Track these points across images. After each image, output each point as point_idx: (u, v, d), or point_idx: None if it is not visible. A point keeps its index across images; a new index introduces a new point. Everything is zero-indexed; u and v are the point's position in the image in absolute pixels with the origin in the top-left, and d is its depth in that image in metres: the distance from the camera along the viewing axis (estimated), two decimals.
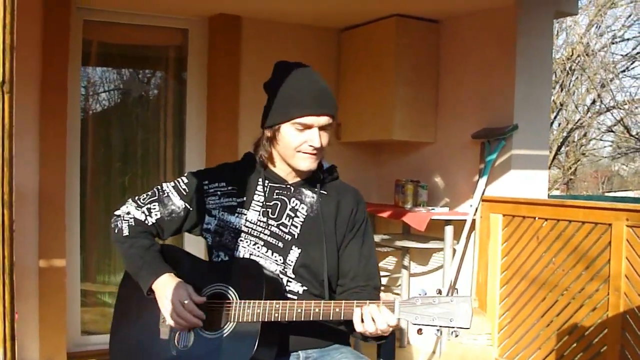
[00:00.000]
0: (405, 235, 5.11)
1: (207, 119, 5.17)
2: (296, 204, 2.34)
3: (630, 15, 14.36)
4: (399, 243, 4.92)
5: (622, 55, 15.07)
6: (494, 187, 4.58)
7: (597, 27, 14.30)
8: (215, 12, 5.02)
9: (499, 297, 4.46)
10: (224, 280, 2.22)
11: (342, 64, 5.45)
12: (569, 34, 14.22)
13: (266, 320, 2.08)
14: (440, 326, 1.95)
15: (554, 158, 15.45)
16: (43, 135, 4.43)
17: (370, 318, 2.00)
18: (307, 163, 2.28)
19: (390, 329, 2.02)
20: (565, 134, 15.64)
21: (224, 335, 2.14)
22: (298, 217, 2.32)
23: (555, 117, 15.29)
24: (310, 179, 2.39)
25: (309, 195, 2.36)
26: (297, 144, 2.25)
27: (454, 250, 4.65)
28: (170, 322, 2.19)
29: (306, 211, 2.33)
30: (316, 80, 2.30)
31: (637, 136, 14.45)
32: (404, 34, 4.95)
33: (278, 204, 2.33)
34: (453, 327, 1.94)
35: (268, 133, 2.31)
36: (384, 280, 5.36)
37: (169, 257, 2.33)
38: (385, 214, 4.91)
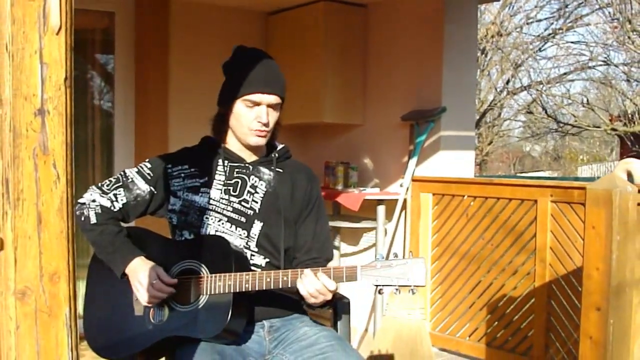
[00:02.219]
0: (335, 215, 5.43)
1: (136, 103, 5.33)
2: (255, 181, 2.63)
3: None
4: (331, 223, 5.22)
5: (534, 35, 15.77)
6: (423, 167, 4.94)
7: (510, 7, 14.95)
8: None
9: (430, 272, 4.84)
10: (194, 257, 2.48)
11: (270, 47, 5.70)
12: (483, 14, 14.79)
13: (237, 290, 2.36)
14: (399, 285, 2.27)
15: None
16: None
17: (309, 283, 2.33)
18: (256, 139, 2.58)
19: (329, 294, 2.34)
20: (479, 115, 16.26)
21: (199, 307, 2.40)
22: (258, 192, 2.61)
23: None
24: (266, 158, 2.68)
25: (266, 173, 2.65)
26: (248, 120, 2.54)
27: (386, 230, 5.00)
28: (143, 301, 2.44)
29: (265, 187, 2.62)
30: (268, 63, 2.60)
31: (553, 116, 15.20)
32: (332, 18, 5.25)
33: (239, 182, 2.61)
34: (410, 285, 2.26)
35: (222, 110, 2.62)
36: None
37: (138, 240, 2.57)
38: None
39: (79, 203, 2.61)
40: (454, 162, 4.94)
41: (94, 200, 2.59)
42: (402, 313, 4.64)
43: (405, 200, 4.91)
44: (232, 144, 2.66)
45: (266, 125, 2.56)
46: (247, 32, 5.67)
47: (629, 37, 12.14)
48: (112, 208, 2.58)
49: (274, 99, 2.56)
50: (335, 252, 5.56)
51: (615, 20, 11.98)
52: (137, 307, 2.51)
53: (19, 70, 1.24)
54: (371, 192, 5.05)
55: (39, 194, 1.28)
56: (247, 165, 2.65)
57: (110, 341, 2.57)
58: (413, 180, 4.87)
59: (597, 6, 12.57)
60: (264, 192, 2.62)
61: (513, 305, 4.36)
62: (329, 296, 2.37)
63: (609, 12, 12.50)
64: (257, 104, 2.54)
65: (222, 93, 2.64)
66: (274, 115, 2.59)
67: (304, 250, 2.67)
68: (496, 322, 4.46)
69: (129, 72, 5.33)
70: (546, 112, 14.72)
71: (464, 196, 4.61)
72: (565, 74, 15.12)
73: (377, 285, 2.30)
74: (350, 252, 5.59)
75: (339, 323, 2.77)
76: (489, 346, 4.47)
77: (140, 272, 2.44)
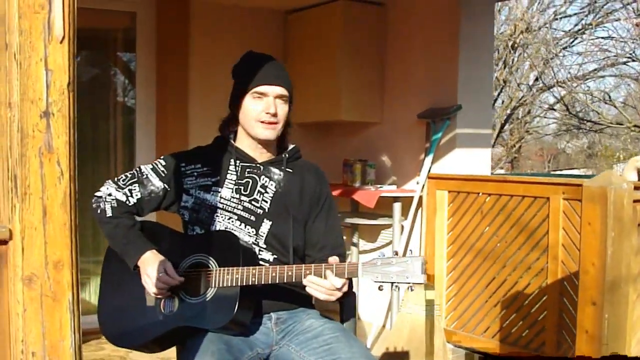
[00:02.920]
0: (353, 213, 5.56)
1: (157, 101, 5.52)
2: (266, 181, 2.76)
3: None
4: (348, 220, 5.37)
5: (564, 31, 15.76)
6: (440, 164, 5.05)
7: (539, 3, 14.96)
8: None
9: (446, 269, 4.94)
10: (204, 251, 2.62)
11: (289, 46, 5.85)
12: (512, 10, 14.84)
13: (244, 284, 2.49)
14: (398, 282, 2.39)
15: (497, 136, 16.08)
16: None
17: (315, 285, 2.46)
18: (266, 132, 2.72)
19: (337, 292, 2.46)
20: (509, 112, 16.27)
21: (207, 299, 2.54)
22: (268, 192, 2.75)
23: (498, 95, 15.91)
24: (277, 158, 2.81)
25: (276, 173, 2.79)
26: (256, 112, 2.69)
27: (402, 227, 5.11)
28: (151, 293, 2.59)
29: (275, 187, 2.76)
30: (274, 62, 2.79)
31: (577, 114, 15.18)
32: (350, 17, 5.38)
33: (249, 182, 2.75)
34: (409, 283, 2.38)
35: (233, 110, 2.78)
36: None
37: (151, 233, 2.73)
38: (334, 192, 5.35)
39: (96, 196, 2.76)
40: (469, 160, 5.04)
41: (110, 194, 2.74)
42: (417, 309, 4.76)
43: (421, 198, 5.02)
44: (243, 143, 2.80)
45: (274, 115, 2.70)
46: (266, 31, 5.83)
47: None
48: (127, 202, 2.73)
49: (280, 90, 2.71)
50: (353, 248, 5.69)
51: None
52: (149, 298, 2.66)
53: (26, 76, 1.38)
54: (387, 190, 5.17)
55: (44, 189, 1.42)
56: (258, 165, 2.79)
57: (123, 330, 2.72)
58: (429, 177, 4.98)
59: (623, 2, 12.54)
60: (273, 192, 2.76)
61: (526, 302, 4.44)
62: (340, 294, 2.50)
63: (633, 8, 12.47)
64: (265, 94, 2.69)
65: (232, 94, 2.79)
66: (282, 107, 2.73)
67: (318, 248, 2.80)
68: (510, 319, 4.54)
69: (150, 71, 5.50)
70: (568, 109, 14.71)
71: (478, 193, 4.71)
72: (595, 70, 15.09)
73: (377, 282, 2.42)
74: (368, 249, 5.71)
75: (344, 316, 2.89)
76: (503, 342, 4.56)
77: (149, 264, 2.59)
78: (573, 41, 15.38)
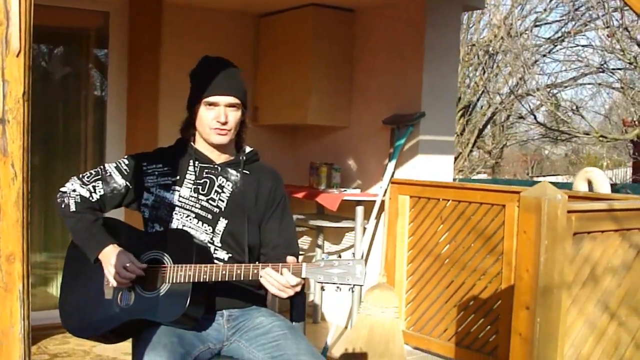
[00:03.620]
0: (319, 215, 5.74)
1: (128, 99, 5.68)
2: (223, 182, 2.94)
3: None
4: (313, 222, 5.56)
5: (545, 38, 16.00)
6: (402, 170, 5.24)
7: (520, 8, 15.19)
8: None
9: (406, 273, 5.13)
10: (160, 248, 2.79)
11: (260, 49, 6.02)
12: (492, 16, 15.05)
13: (196, 280, 2.66)
14: (340, 284, 2.56)
15: (475, 141, 16.30)
16: None
17: (272, 279, 2.62)
18: (218, 138, 2.89)
19: (291, 289, 2.64)
20: (487, 117, 16.46)
21: (161, 294, 2.71)
22: (224, 192, 2.92)
23: (478, 100, 16.14)
24: (234, 160, 2.99)
25: (233, 174, 2.97)
26: (208, 120, 2.87)
27: (364, 229, 5.30)
28: (114, 283, 2.76)
29: (231, 188, 2.94)
30: (227, 69, 2.94)
31: (544, 124, 15.45)
32: (320, 23, 5.57)
33: (207, 182, 2.93)
34: (350, 284, 2.55)
35: (191, 113, 2.95)
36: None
37: (111, 229, 2.89)
38: (299, 195, 5.54)
39: (60, 191, 2.92)
40: (432, 166, 5.23)
41: (74, 190, 2.90)
42: (376, 311, 4.95)
43: (383, 202, 5.20)
44: (201, 145, 2.98)
45: (225, 124, 2.87)
46: (238, 34, 5.99)
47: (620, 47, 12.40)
48: (91, 198, 2.89)
49: (230, 99, 2.88)
50: (318, 250, 5.87)
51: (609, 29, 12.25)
52: (107, 291, 2.82)
53: None
54: (350, 193, 5.36)
55: None
56: (216, 166, 2.96)
57: (82, 322, 2.89)
58: (391, 182, 5.17)
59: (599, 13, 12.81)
60: (230, 192, 2.94)
61: (481, 307, 4.64)
62: (292, 292, 2.67)
63: (604, 21, 12.76)
64: (216, 104, 2.86)
65: (189, 99, 2.96)
66: (233, 115, 2.90)
67: (271, 247, 2.98)
68: (465, 322, 4.74)
69: (122, 69, 5.66)
70: (535, 118, 14.97)
71: (439, 199, 4.90)
72: (573, 78, 15.34)
73: (319, 282, 2.59)
74: (333, 251, 5.89)
75: (294, 314, 3.07)
76: (458, 345, 4.76)
77: (112, 256, 2.75)
78: (552, 48, 15.62)
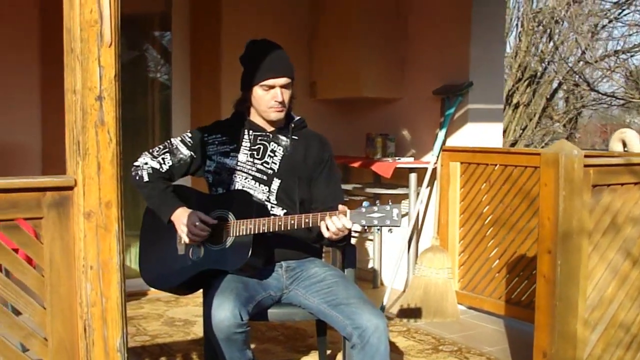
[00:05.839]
0: (375, 184, 6.23)
1: (191, 78, 6.26)
2: (274, 147, 3.47)
3: None
4: (369, 190, 6.05)
5: (612, 2, 16.04)
6: (453, 138, 5.69)
7: None
8: None
9: (458, 236, 5.59)
10: (224, 207, 3.33)
11: (316, 27, 6.51)
12: None
13: (256, 232, 3.18)
14: (380, 225, 3.03)
15: (543, 111, 16.42)
16: (45, 100, 5.48)
17: (332, 223, 3.10)
18: (276, 115, 3.43)
19: (346, 230, 3.12)
20: (555, 85, 16.54)
21: (226, 246, 3.24)
22: (276, 156, 3.45)
23: (545, 69, 16.27)
24: (284, 128, 3.52)
25: (283, 140, 3.50)
26: (266, 100, 3.40)
27: (417, 195, 5.76)
28: (186, 240, 3.30)
29: (282, 151, 3.47)
30: (275, 51, 3.44)
31: (593, 88, 15.46)
32: None
33: (261, 147, 3.46)
34: (389, 226, 3.02)
35: (245, 94, 3.48)
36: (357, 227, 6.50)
37: (181, 194, 3.45)
38: (356, 164, 6.04)
39: (134, 165, 3.48)
40: (481, 133, 5.66)
41: (146, 163, 3.45)
42: (430, 272, 5.42)
43: (435, 169, 5.66)
44: (255, 117, 3.50)
45: (282, 103, 3.38)
46: (295, 12, 6.45)
47: None
48: (161, 169, 3.44)
49: (284, 80, 3.40)
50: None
51: None
52: (180, 247, 3.37)
53: (85, 71, 2.08)
54: (403, 161, 5.83)
55: (98, 150, 2.12)
56: (268, 133, 3.49)
57: (159, 275, 3.45)
58: (443, 150, 5.61)
59: None
60: (281, 156, 3.46)
61: (528, 265, 5.05)
62: (346, 232, 3.16)
63: None
64: (272, 87, 3.38)
65: (243, 81, 3.50)
66: (287, 93, 3.42)
67: (320, 201, 3.50)
68: (514, 281, 5.16)
69: (184, 52, 6.22)
70: (588, 84, 15.08)
71: (487, 164, 5.32)
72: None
73: (362, 226, 3.07)
74: None
75: (345, 262, 3.59)
76: (508, 303, 5.18)
77: (183, 217, 3.30)
78: (621, 12, 15.66)
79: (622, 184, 3.47)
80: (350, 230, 3.17)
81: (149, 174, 3.42)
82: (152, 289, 3.80)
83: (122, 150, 2.18)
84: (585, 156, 3.25)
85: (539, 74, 15.83)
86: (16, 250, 2.22)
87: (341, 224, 3.10)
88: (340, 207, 3.15)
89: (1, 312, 2.18)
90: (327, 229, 3.12)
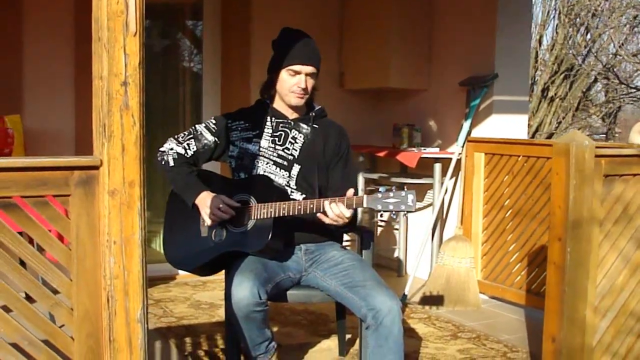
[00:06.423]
0: (402, 173, 6.36)
1: (222, 68, 6.43)
2: (295, 134, 3.63)
3: None
4: (395, 179, 6.18)
5: None
6: (478, 129, 5.81)
7: None
8: None
9: (481, 226, 5.70)
10: (246, 191, 3.49)
11: (345, 18, 6.65)
12: None
13: (276, 215, 3.33)
14: (396, 210, 3.17)
15: (578, 105, 16.36)
16: (77, 87, 5.68)
17: (330, 210, 3.25)
18: (297, 100, 3.60)
19: (345, 218, 3.26)
20: (592, 80, 16.44)
21: (248, 229, 3.41)
22: (297, 143, 3.61)
23: (583, 61, 16.19)
24: (305, 116, 3.67)
25: (304, 128, 3.66)
26: (290, 85, 3.56)
27: (442, 185, 5.88)
28: (209, 222, 3.46)
29: (303, 139, 3.63)
30: (306, 40, 3.62)
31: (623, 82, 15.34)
32: None
33: (282, 134, 3.62)
34: (404, 211, 3.16)
35: (272, 76, 3.64)
36: (384, 216, 6.66)
37: (205, 179, 3.61)
38: (382, 154, 6.18)
39: (160, 151, 3.65)
40: (506, 125, 5.77)
41: (171, 149, 3.62)
42: (453, 261, 5.54)
43: (459, 160, 5.77)
44: (278, 104, 3.66)
45: (304, 90, 3.54)
46: (324, 3, 6.60)
47: None
48: (186, 154, 3.61)
49: (311, 68, 3.56)
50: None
51: None
52: (203, 230, 3.54)
53: (111, 58, 2.25)
54: (428, 152, 5.95)
55: (123, 132, 2.29)
56: (289, 121, 3.65)
57: (183, 256, 3.62)
58: (468, 140, 5.73)
59: None
60: (302, 143, 3.62)
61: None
62: (346, 220, 3.30)
63: None
64: (298, 72, 3.53)
65: (271, 64, 3.65)
66: (310, 82, 3.58)
67: (335, 188, 3.65)
68: (535, 271, 5.26)
69: (215, 41, 6.39)
70: (618, 78, 15.01)
71: (510, 155, 5.43)
72: None
73: (378, 210, 3.22)
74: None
75: (363, 244, 3.75)
76: (529, 293, 5.29)
77: (207, 200, 3.47)
78: None
79: (635, 175, 3.58)
80: (350, 218, 3.31)
81: (174, 159, 3.58)
82: (181, 273, 3.98)
83: (146, 133, 2.34)
84: (598, 147, 3.36)
85: (575, 67, 15.78)
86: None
87: (339, 211, 3.25)
88: (350, 191, 3.28)
89: (32, 283, 2.36)
90: (326, 215, 3.28)
